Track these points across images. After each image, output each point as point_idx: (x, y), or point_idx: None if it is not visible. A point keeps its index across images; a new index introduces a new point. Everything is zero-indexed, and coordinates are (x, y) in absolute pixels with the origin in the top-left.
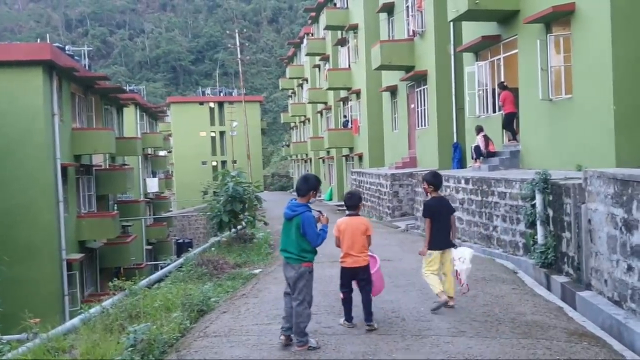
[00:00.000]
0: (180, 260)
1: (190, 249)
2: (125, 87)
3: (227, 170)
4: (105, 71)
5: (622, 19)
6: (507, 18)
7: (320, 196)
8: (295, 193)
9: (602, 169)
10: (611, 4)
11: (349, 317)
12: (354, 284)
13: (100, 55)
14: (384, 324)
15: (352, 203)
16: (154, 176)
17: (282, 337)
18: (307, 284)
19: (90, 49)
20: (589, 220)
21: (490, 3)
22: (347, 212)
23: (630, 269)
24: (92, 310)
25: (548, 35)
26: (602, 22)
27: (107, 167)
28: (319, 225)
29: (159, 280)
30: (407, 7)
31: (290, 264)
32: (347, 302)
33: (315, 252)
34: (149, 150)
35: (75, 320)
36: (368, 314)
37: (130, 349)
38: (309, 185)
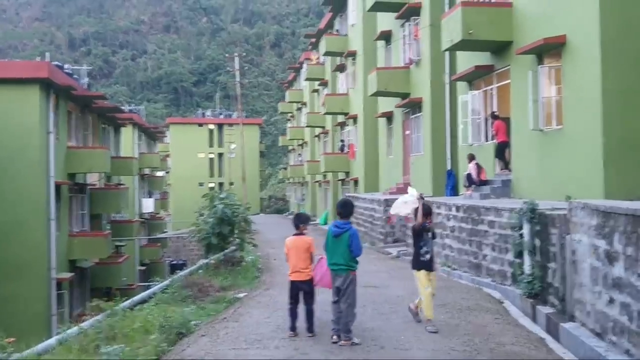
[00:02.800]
0: (166, 282)
1: (183, 269)
2: (125, 107)
3: (217, 192)
4: (106, 90)
5: (612, 51)
6: (500, 49)
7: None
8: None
9: (586, 200)
10: (601, 37)
11: (292, 327)
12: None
13: (102, 75)
14: (362, 351)
15: (347, 211)
16: (150, 196)
17: (334, 337)
18: (353, 288)
19: (90, 68)
20: (573, 251)
21: (483, 34)
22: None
23: (611, 301)
24: (69, 331)
25: (540, 66)
26: (592, 54)
27: (102, 186)
28: None
29: (143, 301)
30: (404, 35)
31: (339, 275)
32: (292, 313)
33: (357, 262)
34: (146, 171)
35: (52, 341)
36: (310, 325)
37: None
38: (350, 209)
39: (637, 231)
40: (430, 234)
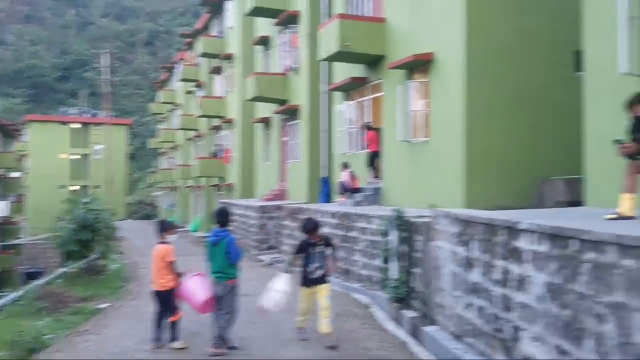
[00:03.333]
0: (19, 292)
1: (40, 278)
2: None
3: (79, 196)
4: None
5: (476, 70)
6: (374, 62)
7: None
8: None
9: (448, 209)
10: (466, 56)
11: (155, 338)
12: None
13: None
14: None
15: (224, 219)
16: (5, 199)
17: (212, 348)
18: (232, 297)
19: None
20: (436, 257)
21: (358, 47)
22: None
23: (469, 305)
24: None
25: (409, 81)
26: (457, 71)
27: None
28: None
29: None
30: (283, 42)
31: (219, 283)
32: (155, 324)
33: (237, 270)
34: (0, 171)
35: None
36: (173, 335)
37: None
38: (226, 217)
39: (493, 239)
40: (316, 249)
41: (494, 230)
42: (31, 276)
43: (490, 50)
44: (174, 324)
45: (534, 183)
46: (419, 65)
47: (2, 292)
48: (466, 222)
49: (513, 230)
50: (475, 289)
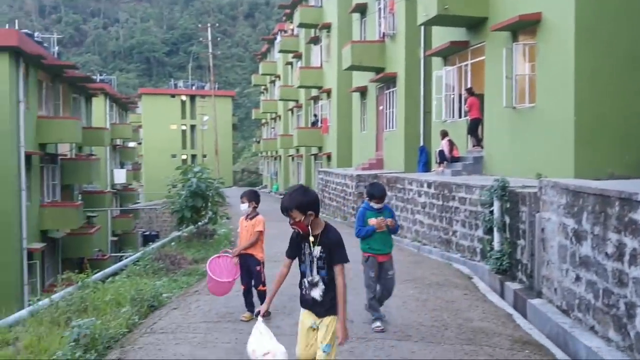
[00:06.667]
0: (138, 254)
1: (155, 241)
2: (96, 77)
3: (190, 166)
4: (77, 59)
5: (586, 30)
6: (475, 25)
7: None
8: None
9: (556, 179)
10: (576, 15)
11: (248, 308)
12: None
13: (73, 43)
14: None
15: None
16: (122, 167)
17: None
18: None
19: (61, 36)
20: (542, 229)
21: (459, 9)
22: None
23: (578, 278)
24: (40, 303)
25: (514, 43)
26: (566, 32)
27: (73, 156)
28: (373, 222)
29: (115, 273)
30: (380, 8)
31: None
32: (244, 293)
33: (364, 243)
34: (118, 141)
35: (24, 312)
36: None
37: (72, 343)
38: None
39: (605, 211)
40: (313, 250)
41: (608, 201)
42: (147, 238)
43: (602, 9)
44: (260, 294)
45: None
46: (525, 27)
47: (123, 252)
48: (576, 193)
49: (629, 202)
50: (585, 263)
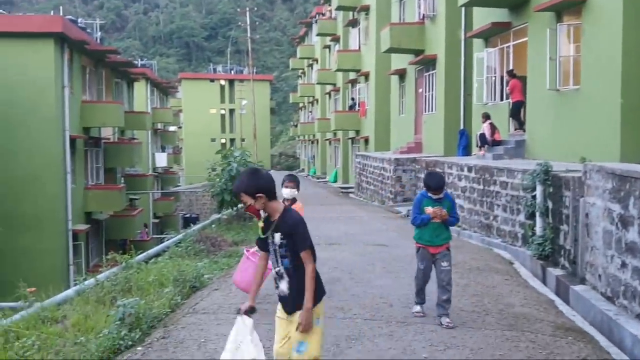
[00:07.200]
0: (180, 236)
1: (196, 223)
2: (137, 62)
3: (231, 150)
4: (119, 44)
5: (634, 10)
6: (517, 5)
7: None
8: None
9: (601, 163)
10: None
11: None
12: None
13: (114, 29)
14: (370, 309)
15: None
16: (163, 151)
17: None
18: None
19: (103, 22)
20: (587, 215)
21: None
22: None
23: (624, 265)
24: (86, 282)
25: (558, 24)
26: (613, 13)
27: (116, 140)
28: (429, 210)
29: (157, 254)
30: None
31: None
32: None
33: (417, 232)
34: (159, 125)
35: (70, 292)
36: None
37: (118, 322)
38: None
39: None
40: (275, 238)
41: None
42: (188, 220)
43: None
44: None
45: None
46: (570, 7)
47: (166, 233)
48: (622, 177)
49: None
50: (631, 249)
